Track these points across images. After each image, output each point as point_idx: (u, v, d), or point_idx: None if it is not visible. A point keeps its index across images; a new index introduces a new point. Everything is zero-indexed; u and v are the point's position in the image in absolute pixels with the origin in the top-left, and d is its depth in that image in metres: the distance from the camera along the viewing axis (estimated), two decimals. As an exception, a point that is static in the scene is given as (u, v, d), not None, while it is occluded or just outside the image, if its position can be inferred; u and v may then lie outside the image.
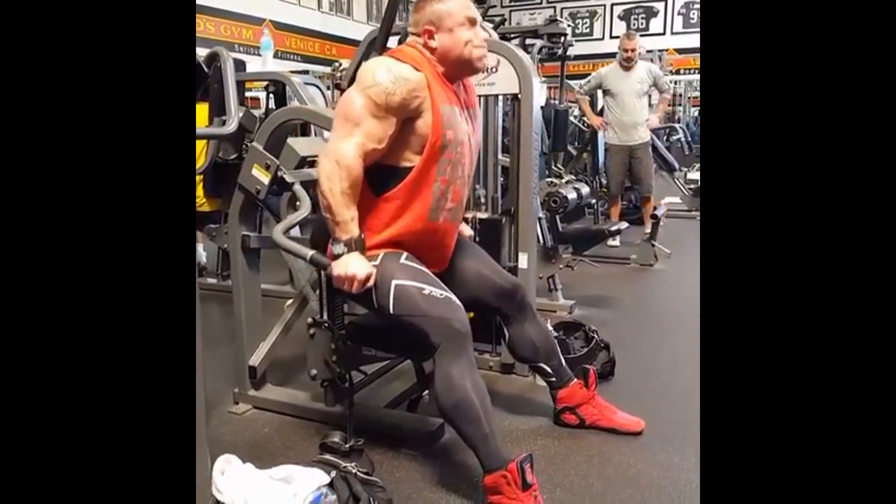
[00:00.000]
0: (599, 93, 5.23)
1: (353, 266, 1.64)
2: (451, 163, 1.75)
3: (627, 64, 4.85)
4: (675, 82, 11.48)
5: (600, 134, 5.21)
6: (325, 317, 1.94)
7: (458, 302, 1.71)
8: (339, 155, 1.63)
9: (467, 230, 2.14)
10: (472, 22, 1.75)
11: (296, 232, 2.12)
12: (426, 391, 2.21)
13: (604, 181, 5.40)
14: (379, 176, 1.74)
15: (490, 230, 2.61)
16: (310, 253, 1.72)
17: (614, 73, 4.93)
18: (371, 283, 1.67)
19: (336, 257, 1.66)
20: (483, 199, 2.70)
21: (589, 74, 5.20)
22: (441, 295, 1.69)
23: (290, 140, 2.10)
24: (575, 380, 2.07)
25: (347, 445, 1.71)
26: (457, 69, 1.77)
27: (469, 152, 1.82)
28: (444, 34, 1.73)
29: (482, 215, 2.69)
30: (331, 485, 1.54)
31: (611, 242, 4.61)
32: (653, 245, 4.49)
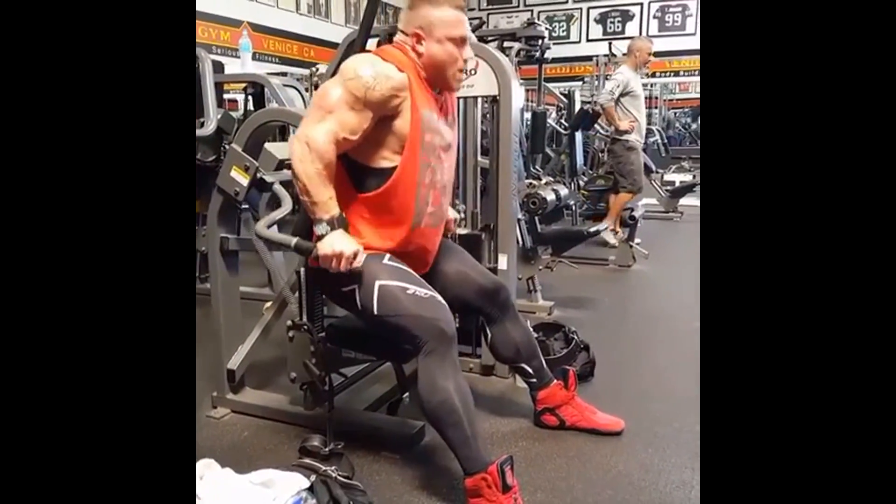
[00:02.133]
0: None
1: (338, 244, 1.62)
2: (431, 167, 1.75)
3: (646, 67, 4.89)
4: (651, 85, 11.61)
5: (578, 136, 5.23)
6: (305, 319, 1.93)
7: (443, 301, 1.70)
8: (309, 139, 1.61)
9: (454, 213, 2.12)
10: (463, 41, 1.73)
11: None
12: (406, 394, 2.20)
13: (581, 183, 5.41)
14: (358, 174, 1.74)
15: (469, 246, 2.58)
16: (294, 240, 1.71)
17: (634, 76, 4.96)
18: (360, 259, 1.65)
19: (320, 238, 1.64)
20: (462, 214, 2.66)
21: (567, 78, 5.21)
22: (425, 294, 1.68)
23: (266, 145, 2.09)
24: (555, 381, 2.07)
25: (327, 449, 1.70)
26: (436, 79, 1.76)
27: (448, 158, 1.83)
28: (433, 43, 1.71)
29: (461, 231, 2.66)
30: (311, 489, 1.53)
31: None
32: (631, 246, 4.53)
